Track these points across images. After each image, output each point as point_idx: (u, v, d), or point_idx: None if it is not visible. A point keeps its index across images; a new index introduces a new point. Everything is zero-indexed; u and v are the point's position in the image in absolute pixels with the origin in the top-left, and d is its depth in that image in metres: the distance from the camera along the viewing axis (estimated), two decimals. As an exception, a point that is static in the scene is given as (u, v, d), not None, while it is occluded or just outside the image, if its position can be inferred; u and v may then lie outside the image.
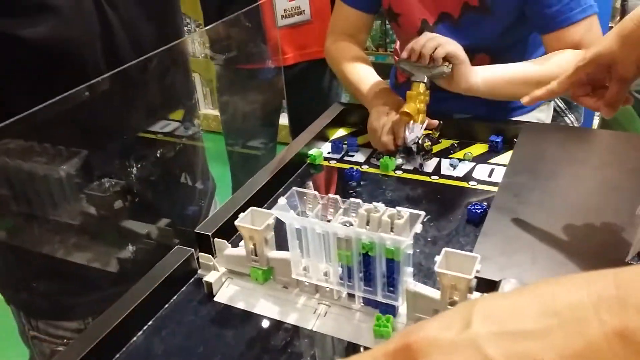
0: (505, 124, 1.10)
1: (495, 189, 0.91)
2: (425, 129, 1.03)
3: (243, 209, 0.80)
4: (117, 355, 0.66)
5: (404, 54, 1.00)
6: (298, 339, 0.66)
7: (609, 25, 2.19)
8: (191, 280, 0.77)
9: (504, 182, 0.88)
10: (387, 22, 2.81)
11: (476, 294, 0.60)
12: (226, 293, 0.74)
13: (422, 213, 0.61)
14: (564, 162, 0.92)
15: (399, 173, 1.02)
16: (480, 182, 0.97)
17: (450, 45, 0.96)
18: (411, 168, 1.03)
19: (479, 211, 0.84)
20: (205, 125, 3.17)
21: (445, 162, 1.03)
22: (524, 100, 0.81)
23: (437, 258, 0.59)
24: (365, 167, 1.05)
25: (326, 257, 0.67)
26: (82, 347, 0.62)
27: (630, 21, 0.70)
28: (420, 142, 1.01)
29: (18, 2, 0.74)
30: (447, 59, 0.97)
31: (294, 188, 0.68)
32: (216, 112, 2.80)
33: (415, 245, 0.76)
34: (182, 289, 0.75)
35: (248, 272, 0.74)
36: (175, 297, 0.74)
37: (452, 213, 0.88)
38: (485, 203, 0.86)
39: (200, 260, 0.77)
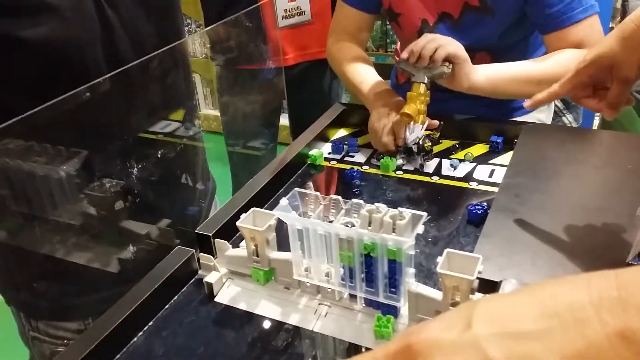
0: (505, 125, 1.10)
1: (495, 189, 0.91)
2: (425, 130, 1.03)
3: (243, 209, 0.80)
4: (118, 356, 0.66)
5: (404, 55, 1.00)
6: (299, 339, 0.66)
7: (610, 25, 2.19)
8: (192, 281, 0.77)
9: (505, 182, 0.88)
10: (387, 23, 2.82)
11: (478, 295, 0.60)
12: (227, 294, 0.74)
13: (424, 214, 0.61)
14: (564, 163, 0.92)
15: (399, 173, 1.02)
16: (480, 182, 0.97)
17: (451, 46, 0.96)
18: (412, 168, 1.03)
19: (479, 212, 0.84)
20: (205, 126, 3.17)
21: (445, 163, 1.03)
22: (526, 104, 0.81)
23: (439, 259, 0.59)
24: (365, 168, 1.05)
25: (328, 258, 0.67)
26: (82, 348, 0.62)
27: (631, 22, 0.70)
28: (420, 142, 1.01)
29: (18, 2, 0.74)
30: (447, 59, 0.97)
31: (295, 189, 0.67)
32: (217, 113, 2.81)
33: (416, 246, 0.76)
34: (183, 290, 0.75)
35: (249, 273, 0.74)
36: (175, 298, 0.74)
37: (453, 213, 0.88)
38: (486, 203, 0.86)
39: (200, 260, 0.77)
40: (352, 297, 0.69)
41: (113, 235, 0.95)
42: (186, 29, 3.02)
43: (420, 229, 0.60)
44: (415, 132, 1.01)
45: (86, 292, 0.92)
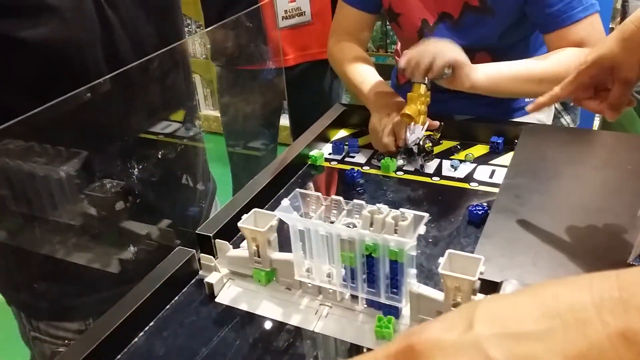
0: (506, 125, 1.10)
1: (496, 190, 0.91)
2: (426, 130, 1.03)
3: (244, 210, 0.80)
4: (118, 356, 0.66)
5: (402, 63, 0.99)
6: (300, 340, 0.66)
7: (610, 26, 2.19)
8: (192, 282, 0.77)
9: (505, 183, 0.88)
10: (387, 23, 2.82)
11: (480, 296, 0.60)
12: (227, 294, 0.74)
13: (426, 215, 0.61)
14: (564, 163, 0.92)
15: (400, 174, 1.02)
16: (481, 183, 0.97)
17: (447, 55, 0.95)
18: (412, 169, 1.03)
19: (480, 212, 0.84)
20: (206, 126, 3.17)
21: (446, 163, 1.03)
22: (529, 108, 0.81)
23: (441, 260, 0.59)
24: (366, 168, 1.05)
25: (329, 258, 0.67)
26: (83, 348, 0.62)
27: (631, 23, 0.70)
28: (421, 143, 1.01)
29: (18, 2, 0.73)
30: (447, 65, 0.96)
31: (297, 190, 0.68)
32: (217, 113, 2.81)
33: (416, 247, 0.76)
34: (184, 290, 0.75)
35: (250, 274, 0.74)
36: (176, 298, 0.74)
37: (453, 214, 0.88)
38: (486, 204, 0.86)
39: (201, 261, 0.77)
40: (354, 297, 0.69)
41: (113, 236, 0.95)
42: (186, 29, 3.02)
43: (422, 229, 0.60)
44: (416, 133, 1.01)
45: (87, 293, 0.92)
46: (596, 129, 2.33)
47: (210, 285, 0.73)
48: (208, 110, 3.41)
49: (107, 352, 0.64)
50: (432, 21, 1.15)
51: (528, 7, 1.06)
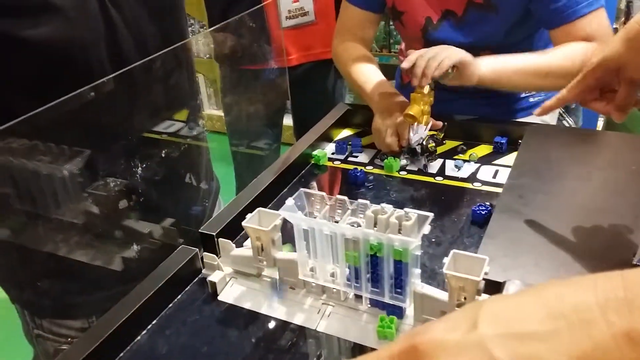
0: (509, 125, 1.10)
1: (499, 190, 0.91)
2: (429, 130, 1.03)
3: (247, 209, 0.80)
4: (121, 354, 0.66)
5: (405, 65, 0.98)
6: (304, 339, 0.66)
7: (614, 26, 2.18)
8: (195, 280, 0.77)
9: (509, 183, 0.88)
10: (390, 23, 2.82)
11: (484, 296, 0.60)
12: (230, 293, 0.74)
13: (431, 215, 0.61)
14: (568, 164, 0.92)
15: (403, 174, 1.02)
16: (484, 183, 0.96)
17: (451, 58, 0.95)
18: (415, 169, 1.03)
19: (483, 212, 0.84)
20: (209, 126, 3.17)
21: (449, 163, 1.03)
22: (536, 112, 0.80)
23: (446, 260, 0.58)
24: (369, 168, 1.04)
25: (333, 258, 0.67)
26: (86, 346, 0.62)
27: (636, 24, 0.69)
28: (424, 143, 1.01)
29: (21, 2, 0.74)
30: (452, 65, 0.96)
31: (301, 189, 0.68)
32: (220, 113, 2.81)
33: (420, 246, 0.76)
34: (187, 289, 0.76)
35: (254, 273, 0.74)
36: (179, 297, 0.74)
37: (457, 214, 0.88)
38: (490, 204, 0.86)
39: (204, 260, 0.77)
40: (358, 297, 0.69)
41: (117, 234, 0.95)
42: (190, 29, 3.02)
43: (426, 229, 0.60)
44: (419, 133, 1.01)
45: (90, 291, 0.93)
46: (600, 129, 2.33)
47: (213, 284, 0.73)
48: (212, 110, 3.41)
49: (110, 350, 0.64)
50: (436, 19, 1.15)
51: (532, 3, 1.06)
